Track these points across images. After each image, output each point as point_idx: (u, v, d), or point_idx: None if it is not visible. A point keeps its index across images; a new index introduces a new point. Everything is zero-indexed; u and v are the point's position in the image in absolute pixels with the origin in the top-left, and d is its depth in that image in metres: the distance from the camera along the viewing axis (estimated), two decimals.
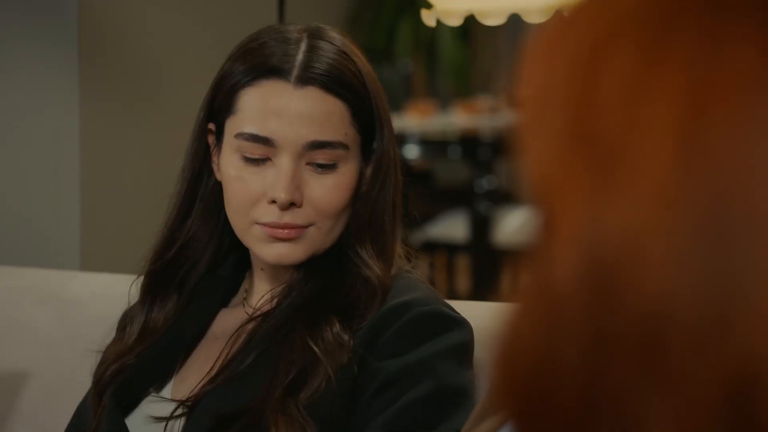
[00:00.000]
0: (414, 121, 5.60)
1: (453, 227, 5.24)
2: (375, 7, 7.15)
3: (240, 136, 1.61)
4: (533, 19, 2.20)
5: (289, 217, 1.59)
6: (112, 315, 1.79)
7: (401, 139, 5.27)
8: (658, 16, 0.59)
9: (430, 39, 7.13)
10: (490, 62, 7.15)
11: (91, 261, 2.89)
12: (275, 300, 1.66)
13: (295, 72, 1.60)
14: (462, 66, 7.12)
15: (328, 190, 1.61)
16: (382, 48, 7.06)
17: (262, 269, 1.70)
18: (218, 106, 1.65)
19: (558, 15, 0.63)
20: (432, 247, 5.28)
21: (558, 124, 0.61)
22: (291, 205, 1.59)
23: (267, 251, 1.61)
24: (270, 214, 1.60)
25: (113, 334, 1.77)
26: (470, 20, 7.29)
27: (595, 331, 0.58)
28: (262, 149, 1.60)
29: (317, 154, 1.60)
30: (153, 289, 1.71)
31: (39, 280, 2.13)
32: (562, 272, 0.58)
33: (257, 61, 1.62)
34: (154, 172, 2.78)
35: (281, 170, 1.59)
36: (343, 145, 1.61)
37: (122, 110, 2.98)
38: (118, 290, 1.82)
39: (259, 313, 1.66)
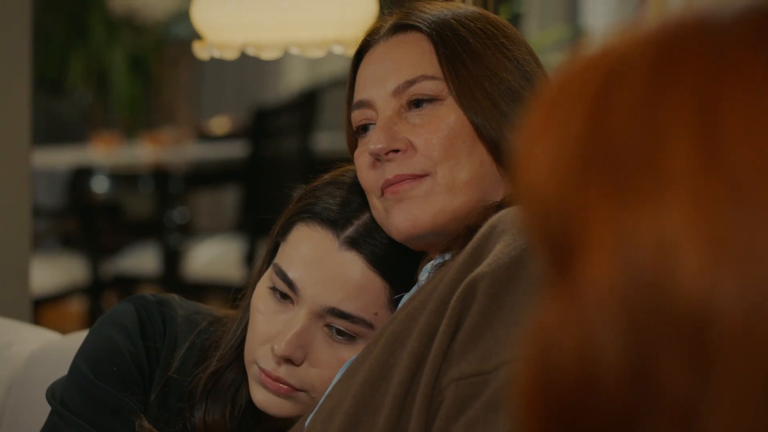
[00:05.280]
0: (100, 152, 5.54)
1: (143, 260, 5.21)
2: (45, 36, 7.00)
3: (274, 267, 1.49)
4: (309, 53, 2.23)
5: (283, 372, 1.46)
6: None
7: (89, 172, 5.21)
8: (662, 41, 0.63)
9: (102, 70, 7.05)
10: (171, 94, 7.13)
11: None
12: None
13: (346, 231, 1.47)
14: (136, 98, 7.07)
15: (336, 363, 1.45)
16: (54, 78, 6.93)
17: None
18: (278, 228, 1.53)
19: (563, 68, 0.66)
20: (121, 280, 5.24)
21: (572, 147, 0.62)
22: (288, 361, 1.46)
23: (255, 393, 1.48)
24: (268, 361, 1.47)
25: None
26: (145, 52, 7.17)
27: (638, 333, 0.59)
28: (287, 290, 1.48)
29: (338, 320, 1.45)
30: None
31: None
32: (598, 284, 0.60)
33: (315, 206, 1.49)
34: None
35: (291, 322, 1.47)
36: (366, 324, 1.46)
37: None
38: None
39: None
